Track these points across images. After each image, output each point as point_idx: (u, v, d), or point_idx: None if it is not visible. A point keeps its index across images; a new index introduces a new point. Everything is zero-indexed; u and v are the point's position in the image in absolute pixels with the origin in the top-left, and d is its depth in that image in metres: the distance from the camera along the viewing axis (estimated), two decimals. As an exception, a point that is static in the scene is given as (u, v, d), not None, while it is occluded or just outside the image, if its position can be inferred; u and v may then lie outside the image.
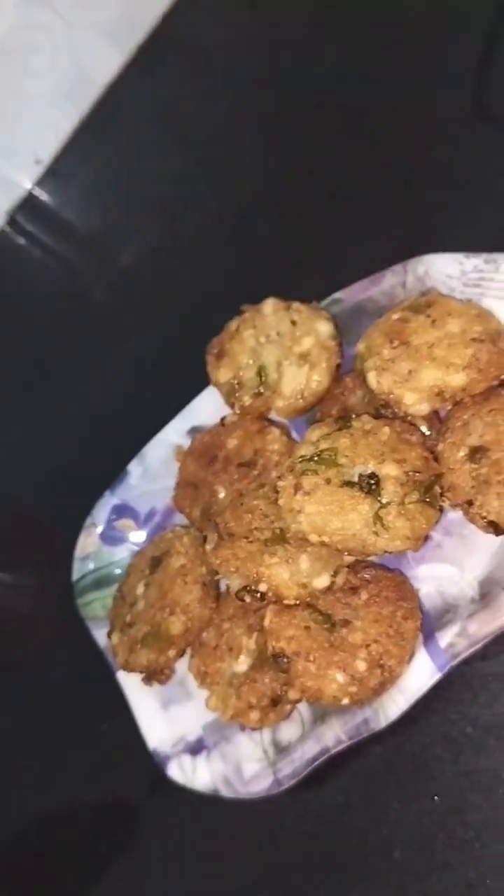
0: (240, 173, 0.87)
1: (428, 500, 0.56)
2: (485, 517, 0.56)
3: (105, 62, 0.95)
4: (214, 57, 0.94)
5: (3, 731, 0.81)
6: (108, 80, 0.97)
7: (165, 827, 0.68)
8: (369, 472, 0.56)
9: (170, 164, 0.93)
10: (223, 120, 0.90)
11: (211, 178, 0.90)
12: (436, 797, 0.58)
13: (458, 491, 0.57)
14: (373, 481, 0.55)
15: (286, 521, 0.57)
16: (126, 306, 0.92)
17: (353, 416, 0.61)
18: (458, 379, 0.59)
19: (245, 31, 0.94)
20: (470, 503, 0.57)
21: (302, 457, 0.57)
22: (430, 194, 0.76)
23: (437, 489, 0.57)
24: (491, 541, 0.59)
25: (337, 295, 0.69)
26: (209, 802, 0.62)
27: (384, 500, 0.55)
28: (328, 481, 0.55)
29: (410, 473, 0.56)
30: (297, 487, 0.56)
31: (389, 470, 0.56)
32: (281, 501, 0.57)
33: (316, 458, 0.57)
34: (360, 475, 0.56)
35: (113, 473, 0.75)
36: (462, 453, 0.58)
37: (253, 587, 0.57)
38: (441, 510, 0.58)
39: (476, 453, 0.57)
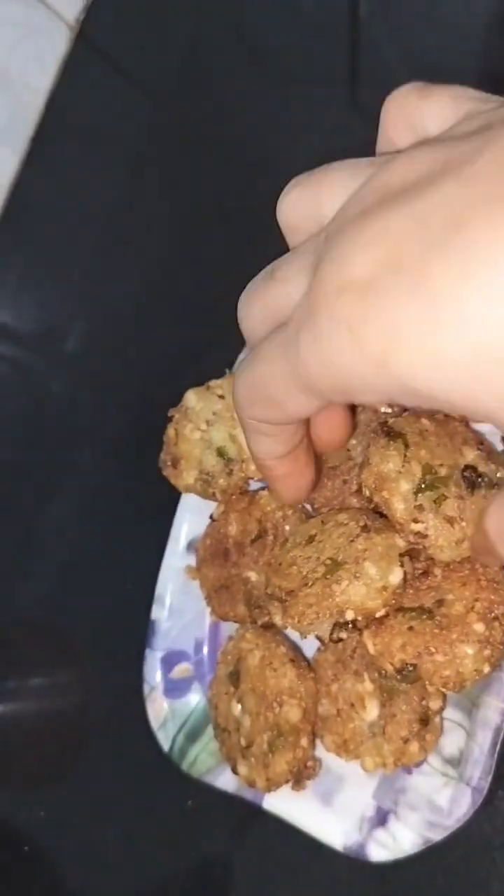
0: (149, 241, 0.84)
1: None
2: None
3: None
4: (103, 131, 0.90)
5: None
6: (10, 180, 0.92)
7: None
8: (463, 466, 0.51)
9: (87, 245, 0.88)
10: (126, 191, 0.87)
11: (127, 251, 0.85)
12: None
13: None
14: (477, 474, 0.51)
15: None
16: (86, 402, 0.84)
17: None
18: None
19: (126, 98, 0.90)
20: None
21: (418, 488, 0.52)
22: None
23: None
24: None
25: (242, 356, 0.67)
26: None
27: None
28: (459, 497, 0.51)
29: None
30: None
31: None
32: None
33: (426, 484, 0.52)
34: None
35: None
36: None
37: (341, 621, 0.54)
38: None
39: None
